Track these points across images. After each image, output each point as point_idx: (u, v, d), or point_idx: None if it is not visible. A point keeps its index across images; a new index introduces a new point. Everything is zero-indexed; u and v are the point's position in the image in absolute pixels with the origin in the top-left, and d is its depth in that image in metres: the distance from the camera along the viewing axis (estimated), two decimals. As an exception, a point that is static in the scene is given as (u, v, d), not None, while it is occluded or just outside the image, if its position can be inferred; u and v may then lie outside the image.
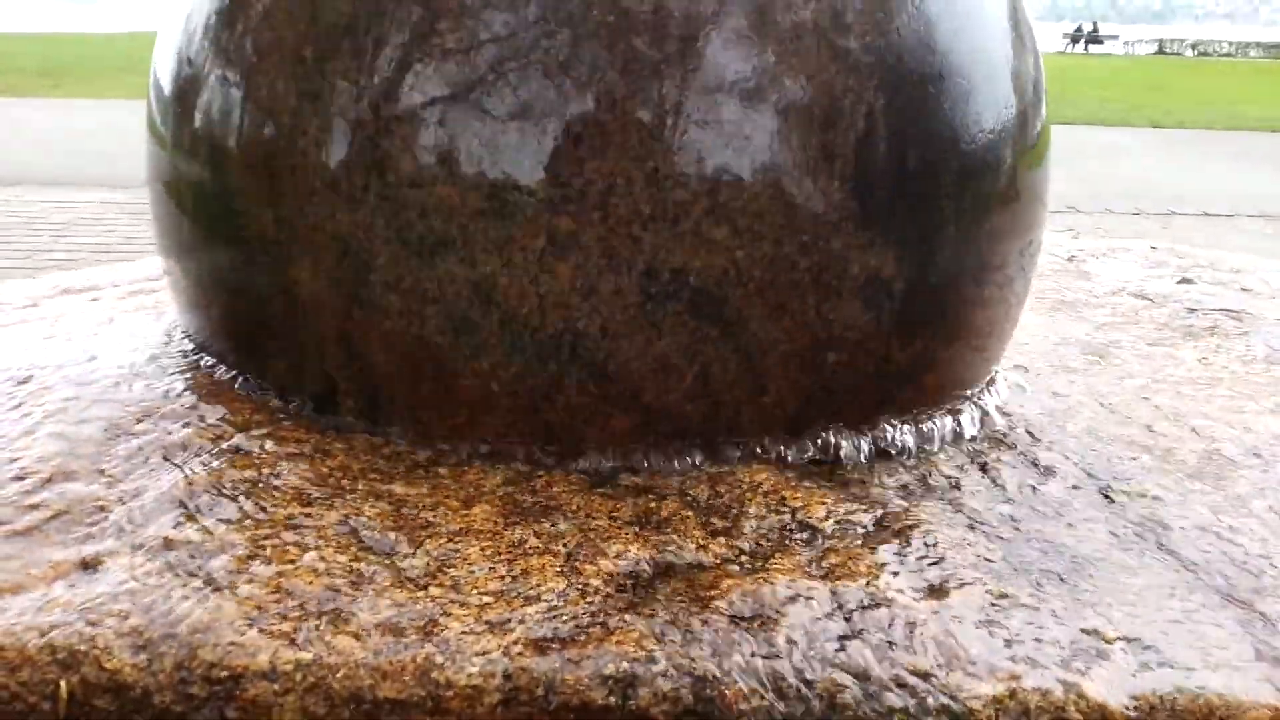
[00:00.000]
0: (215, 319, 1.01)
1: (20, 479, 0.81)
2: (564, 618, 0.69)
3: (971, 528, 0.87)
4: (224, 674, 0.63)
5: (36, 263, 3.72)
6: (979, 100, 0.97)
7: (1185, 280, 1.65)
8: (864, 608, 0.74)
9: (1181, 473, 1.02)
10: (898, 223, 0.91)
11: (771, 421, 0.91)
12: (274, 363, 0.95)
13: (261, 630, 0.65)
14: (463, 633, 0.67)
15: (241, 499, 0.79)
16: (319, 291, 0.88)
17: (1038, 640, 0.73)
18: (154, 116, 1.05)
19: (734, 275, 0.86)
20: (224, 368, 1.00)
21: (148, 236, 1.09)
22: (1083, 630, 0.75)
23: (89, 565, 0.71)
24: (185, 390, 0.96)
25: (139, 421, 0.90)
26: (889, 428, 0.97)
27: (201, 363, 1.02)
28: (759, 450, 0.91)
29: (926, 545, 0.82)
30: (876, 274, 0.91)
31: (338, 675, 0.63)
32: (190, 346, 1.06)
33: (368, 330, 0.87)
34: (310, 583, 0.70)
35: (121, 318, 1.30)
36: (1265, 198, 5.98)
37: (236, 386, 0.98)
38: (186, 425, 0.89)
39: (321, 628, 0.66)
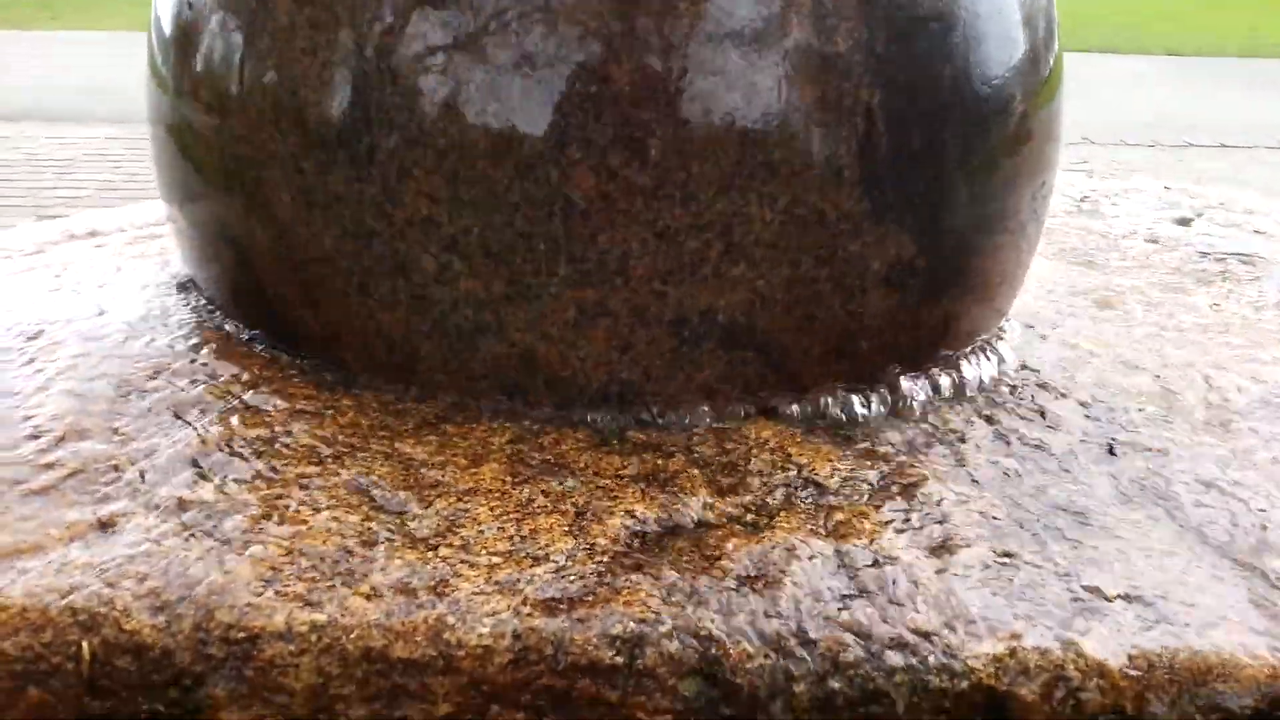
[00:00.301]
0: (221, 272, 1.01)
1: (35, 437, 0.82)
2: (572, 578, 0.70)
3: (976, 483, 0.88)
4: (241, 635, 0.64)
5: (40, 200, 3.71)
6: (987, 46, 0.96)
7: (1183, 221, 1.63)
8: (868, 566, 0.75)
9: (1188, 424, 1.02)
10: (911, 203, 0.91)
11: (786, 387, 0.92)
12: (281, 319, 0.95)
13: (277, 592, 0.67)
14: (473, 593, 0.68)
15: (253, 458, 0.80)
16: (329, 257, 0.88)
17: (1039, 599, 0.74)
18: (155, 58, 1.03)
19: (759, 304, 0.87)
20: (231, 322, 1.00)
21: (153, 174, 1.08)
22: (1084, 587, 0.76)
23: (105, 525, 0.73)
24: (194, 345, 0.96)
25: (150, 379, 0.90)
26: (899, 382, 0.97)
27: (210, 316, 1.03)
28: (767, 408, 0.91)
29: (931, 503, 0.83)
30: (897, 260, 0.91)
31: (351, 636, 0.65)
32: (198, 299, 1.07)
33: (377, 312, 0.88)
34: (323, 543, 0.72)
35: (129, 265, 1.30)
36: None
37: (245, 340, 0.98)
38: (196, 382, 0.90)
39: (335, 589, 0.67)
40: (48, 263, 1.34)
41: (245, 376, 0.91)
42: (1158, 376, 1.12)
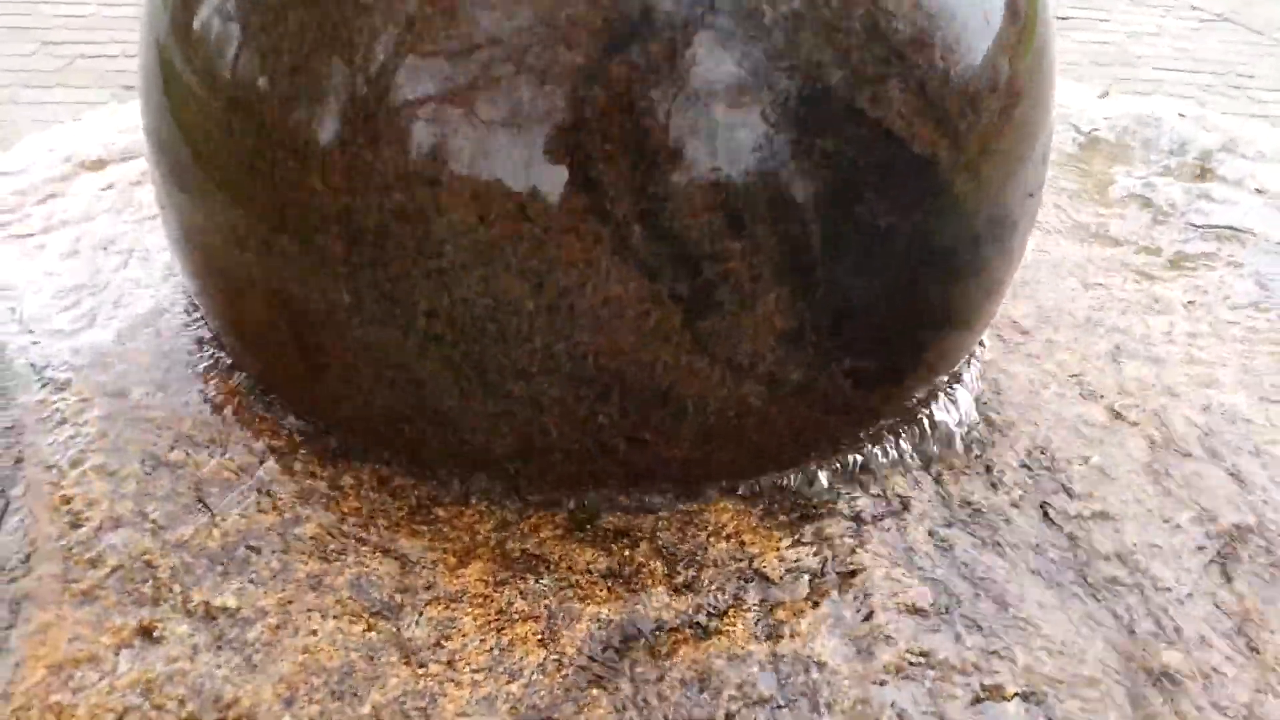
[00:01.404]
0: (224, 325, 1.08)
1: (78, 525, 0.93)
2: (541, 693, 0.83)
3: (910, 562, 0.98)
4: (266, 758, 0.78)
5: (43, 21, 3.61)
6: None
7: (1195, 172, 1.62)
8: (797, 673, 0.87)
9: (1127, 475, 1.11)
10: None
11: (753, 470, 1.00)
12: (284, 381, 1.03)
13: (293, 716, 0.80)
14: (457, 714, 0.81)
15: (269, 553, 0.92)
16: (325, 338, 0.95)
17: (943, 702, 0.87)
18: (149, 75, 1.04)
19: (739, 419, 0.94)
20: (237, 371, 1.09)
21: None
22: (985, 687, 0.89)
23: (147, 632, 0.85)
24: (205, 404, 1.05)
25: (171, 449, 1.00)
26: (855, 451, 1.06)
27: (217, 358, 1.11)
28: (725, 487, 1.01)
29: (862, 596, 0.94)
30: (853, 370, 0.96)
31: (356, 759, 0.79)
32: (204, 329, 1.14)
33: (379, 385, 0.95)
34: (331, 659, 0.84)
35: (138, 242, 1.36)
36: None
37: (252, 394, 1.07)
38: (213, 454, 1.00)
39: (344, 711, 0.81)
40: (59, 233, 1.40)
41: (257, 446, 1.01)
42: (1111, 406, 1.19)
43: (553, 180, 0.83)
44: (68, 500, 0.95)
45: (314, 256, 0.90)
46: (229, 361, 1.10)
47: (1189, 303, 1.37)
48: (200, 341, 1.14)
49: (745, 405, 0.93)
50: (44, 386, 1.07)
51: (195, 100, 0.96)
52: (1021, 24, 0.99)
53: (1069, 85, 1.99)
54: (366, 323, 0.90)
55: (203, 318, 1.16)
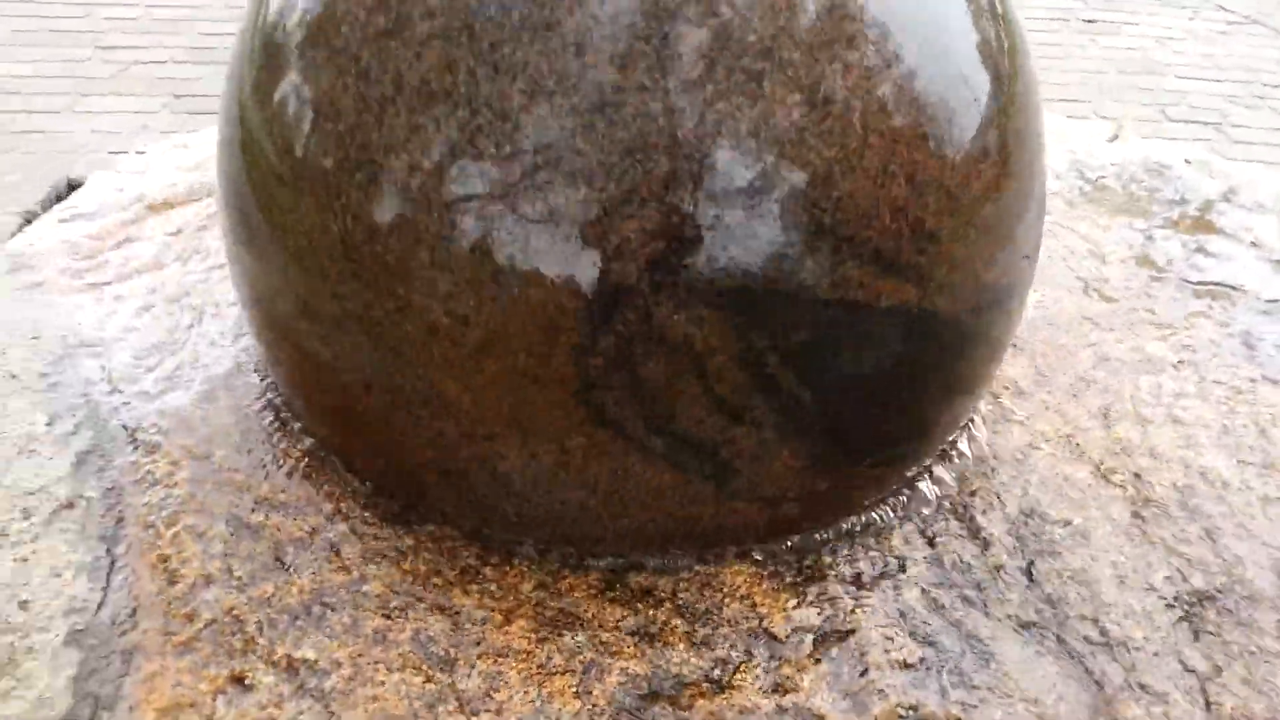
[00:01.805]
0: (292, 392, 1.21)
1: (174, 582, 1.07)
2: (577, 741, 0.97)
3: (903, 621, 1.10)
4: (343, 797, 0.92)
5: (96, 26, 3.73)
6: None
7: (1191, 222, 1.71)
8: (800, 726, 1.00)
9: (1107, 535, 1.22)
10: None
11: (768, 536, 1.13)
12: (348, 451, 1.17)
13: (365, 761, 0.94)
14: (505, 761, 0.95)
15: (340, 609, 1.05)
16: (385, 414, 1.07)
17: (928, 754, 0.99)
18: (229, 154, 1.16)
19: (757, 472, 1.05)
20: (308, 436, 1.22)
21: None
22: (964, 742, 1.01)
23: (239, 680, 0.99)
24: (279, 468, 1.19)
25: (251, 511, 1.14)
26: (858, 515, 1.18)
27: (287, 423, 1.24)
28: (740, 549, 1.13)
29: (859, 654, 1.06)
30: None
31: (419, 799, 0.92)
32: (274, 394, 1.27)
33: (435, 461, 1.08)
34: (397, 708, 0.98)
35: (209, 294, 1.50)
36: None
37: (322, 458, 1.20)
38: (287, 516, 1.13)
39: (406, 755, 0.94)
40: (133, 282, 1.53)
41: (326, 508, 1.14)
42: (1097, 468, 1.30)
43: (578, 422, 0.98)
44: (165, 559, 1.09)
45: (382, 338, 1.02)
46: (298, 425, 1.23)
47: (1178, 362, 1.47)
48: (271, 404, 1.27)
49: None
50: (136, 449, 1.21)
51: (272, 175, 1.07)
52: (1001, 99, 1.08)
53: (1079, 126, 2.08)
54: (426, 403, 1.03)
55: (273, 381, 1.29)
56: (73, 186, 2.73)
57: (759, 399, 0.98)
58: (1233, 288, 1.60)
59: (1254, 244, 1.69)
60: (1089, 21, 4.00)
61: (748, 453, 0.99)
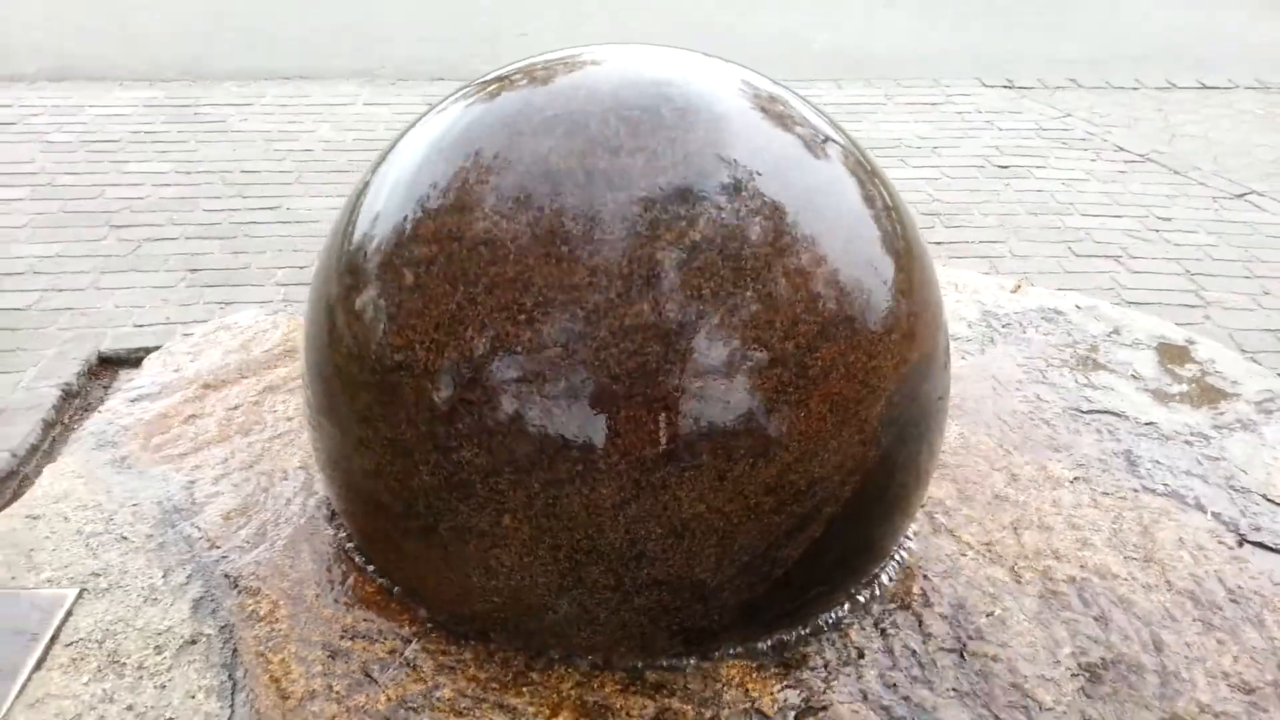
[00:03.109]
0: (365, 535, 1.51)
1: (285, 698, 1.34)
2: (616, 806, 1.24)
3: (865, 698, 1.39)
4: None
5: (108, 207, 4.07)
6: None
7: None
8: (789, 784, 1.28)
9: (1021, 622, 1.53)
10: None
11: (754, 635, 1.43)
12: (417, 588, 1.46)
13: (453, 828, 1.20)
14: (562, 822, 1.22)
15: (421, 712, 1.32)
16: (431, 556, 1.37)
17: (889, 800, 1.28)
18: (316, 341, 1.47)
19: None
20: (381, 576, 1.51)
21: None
22: (916, 789, 1.30)
23: (346, 773, 1.26)
24: (359, 601, 1.47)
25: (341, 638, 1.42)
26: (823, 614, 1.48)
27: (360, 565, 1.53)
28: (735, 648, 1.43)
29: (833, 726, 1.35)
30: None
31: None
32: (344, 544, 1.57)
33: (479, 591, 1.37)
34: (473, 788, 1.25)
35: (278, 466, 1.79)
36: (1267, 58, 6.10)
37: (388, 592, 1.49)
38: (370, 640, 1.41)
39: (485, 823, 1.21)
40: (205, 453, 1.83)
41: (402, 632, 1.43)
42: (1012, 568, 1.62)
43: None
44: (276, 679, 1.36)
45: (449, 493, 1.33)
46: (370, 567, 1.52)
47: (1074, 479, 1.81)
48: (345, 551, 1.56)
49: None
50: (240, 593, 1.49)
51: (350, 359, 1.38)
52: (902, 277, 1.43)
53: (988, 280, 2.47)
54: (485, 549, 1.33)
55: (345, 530, 1.58)
56: (103, 359, 3.04)
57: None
58: (1116, 414, 1.96)
59: (1134, 376, 2.07)
60: (1003, 167, 4.50)
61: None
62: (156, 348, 2.52)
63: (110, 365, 3.01)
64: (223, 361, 2.18)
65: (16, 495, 2.32)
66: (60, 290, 3.43)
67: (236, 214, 3.99)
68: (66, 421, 2.69)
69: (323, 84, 5.49)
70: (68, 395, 2.77)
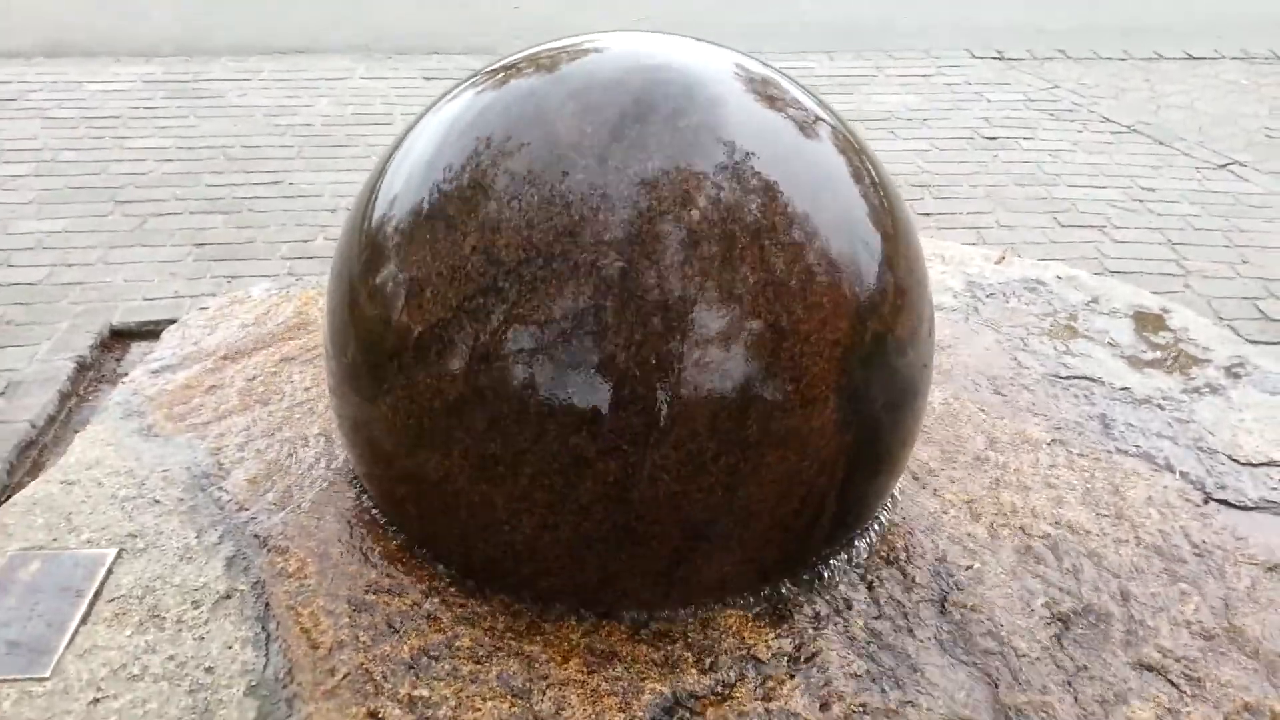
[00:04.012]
0: (387, 497, 1.60)
1: (316, 648, 1.44)
2: (624, 742, 1.35)
3: (852, 645, 1.50)
4: (462, 789, 1.29)
5: (116, 182, 4.13)
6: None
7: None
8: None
9: (998, 574, 1.64)
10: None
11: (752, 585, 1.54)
12: (435, 544, 1.56)
13: (475, 764, 1.31)
14: (574, 757, 1.33)
15: (443, 658, 1.43)
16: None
17: (874, 736, 1.39)
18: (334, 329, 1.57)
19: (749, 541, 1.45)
20: (395, 530, 1.61)
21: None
22: (901, 725, 1.41)
23: (375, 715, 1.36)
24: (382, 558, 1.57)
25: (366, 593, 1.52)
26: (815, 569, 1.59)
27: (382, 524, 1.63)
28: (733, 600, 1.53)
29: (822, 669, 1.46)
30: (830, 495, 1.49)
31: (517, 787, 1.30)
32: (365, 505, 1.67)
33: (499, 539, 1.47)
34: (492, 728, 1.36)
35: (300, 433, 1.89)
36: (1253, 27, 6.15)
37: (408, 550, 1.59)
38: (393, 594, 1.52)
39: (504, 758, 1.32)
40: (228, 422, 1.92)
41: (421, 587, 1.53)
42: (990, 526, 1.73)
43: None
44: (306, 631, 1.47)
45: (466, 458, 1.42)
46: (391, 527, 1.62)
47: (1051, 441, 1.91)
48: (367, 511, 1.66)
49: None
50: (270, 552, 1.59)
51: (371, 332, 1.48)
52: (889, 250, 1.53)
53: (973, 251, 2.57)
54: (504, 509, 1.43)
55: (367, 492, 1.68)
56: (115, 332, 3.12)
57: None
58: (1093, 379, 2.06)
59: (1110, 343, 2.17)
60: (991, 139, 4.58)
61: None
62: (168, 321, 2.62)
63: (122, 338, 3.11)
64: (240, 334, 2.27)
65: (37, 464, 2.42)
66: (69, 265, 3.50)
67: (239, 189, 4.05)
68: (81, 393, 2.79)
69: (319, 58, 5.54)
70: (82, 368, 2.86)
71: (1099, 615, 1.58)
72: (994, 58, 5.64)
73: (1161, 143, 4.60)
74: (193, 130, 4.58)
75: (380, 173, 1.55)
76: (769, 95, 1.54)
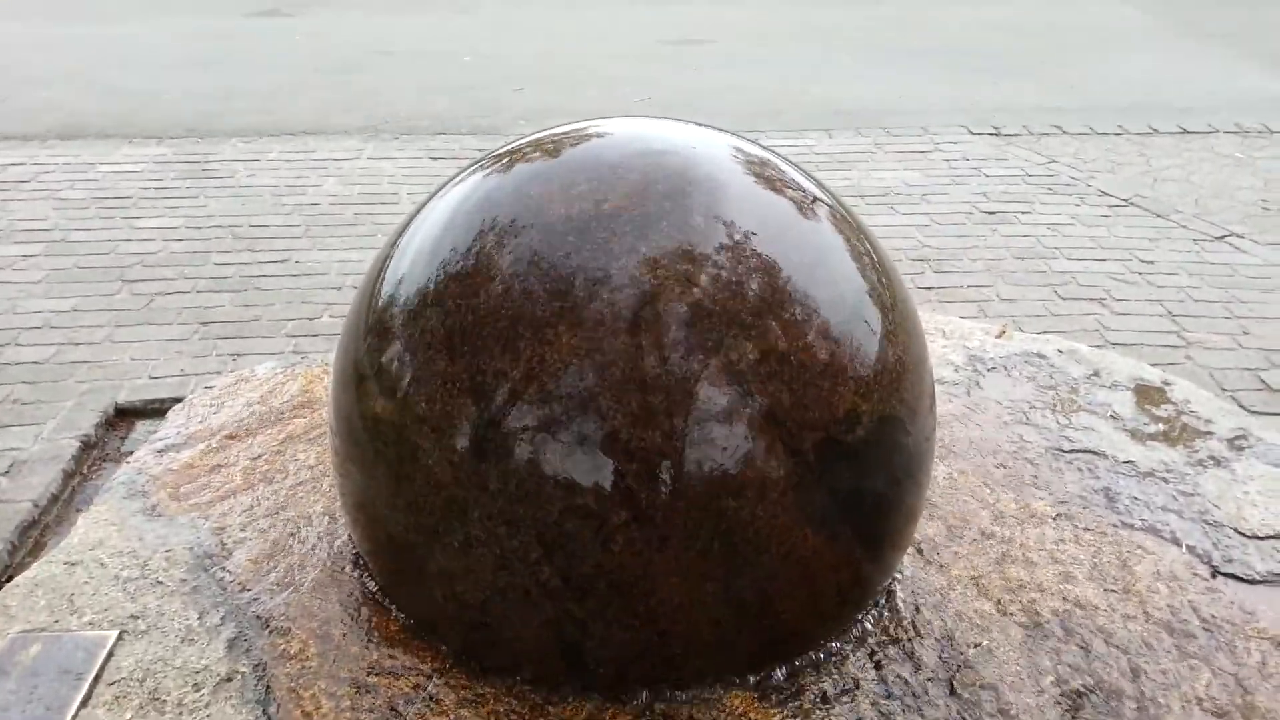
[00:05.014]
0: (389, 578, 1.60)
1: (317, 732, 1.42)
2: (629, 828, 1.32)
3: (862, 726, 1.48)
4: None
5: (125, 263, 4.18)
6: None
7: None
8: (791, 806, 1.36)
9: (1007, 651, 1.62)
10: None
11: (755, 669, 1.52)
12: (438, 627, 1.55)
13: None
14: (578, 845, 1.30)
15: (444, 743, 1.41)
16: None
17: (885, 821, 1.36)
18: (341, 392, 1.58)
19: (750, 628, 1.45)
20: (399, 612, 1.60)
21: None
22: (912, 809, 1.38)
23: (375, 801, 1.34)
24: (383, 640, 1.56)
25: (368, 675, 1.50)
26: (822, 648, 1.57)
27: (384, 605, 1.62)
28: (738, 680, 1.52)
29: (831, 752, 1.44)
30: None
31: None
32: (368, 581, 1.66)
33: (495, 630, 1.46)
34: (495, 813, 1.33)
35: (302, 512, 1.89)
36: (1245, 104, 6.29)
37: (411, 630, 1.58)
38: (395, 676, 1.50)
39: (507, 846, 1.29)
40: (231, 502, 1.92)
41: (424, 669, 1.52)
42: (998, 602, 1.71)
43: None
44: (308, 714, 1.45)
45: (468, 542, 1.42)
46: (394, 607, 1.61)
47: (1056, 515, 1.91)
48: (369, 592, 1.65)
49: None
50: (272, 633, 1.58)
51: (377, 411, 1.48)
52: (889, 325, 1.54)
53: (974, 326, 2.59)
54: (505, 599, 1.42)
55: (369, 572, 1.68)
56: (120, 410, 3.13)
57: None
58: (1096, 453, 2.06)
59: (1112, 416, 2.17)
60: (989, 213, 4.64)
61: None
62: (173, 399, 2.63)
63: (127, 416, 3.13)
64: (245, 412, 2.29)
65: (39, 543, 2.42)
66: (76, 344, 3.53)
67: (246, 267, 4.11)
68: (85, 471, 2.80)
69: (327, 139, 5.65)
70: (86, 446, 2.87)
71: (1110, 692, 1.56)
72: (990, 134, 5.74)
73: (1159, 215, 4.66)
74: (202, 210, 4.66)
75: (387, 254, 1.58)
76: (767, 176, 1.58)
